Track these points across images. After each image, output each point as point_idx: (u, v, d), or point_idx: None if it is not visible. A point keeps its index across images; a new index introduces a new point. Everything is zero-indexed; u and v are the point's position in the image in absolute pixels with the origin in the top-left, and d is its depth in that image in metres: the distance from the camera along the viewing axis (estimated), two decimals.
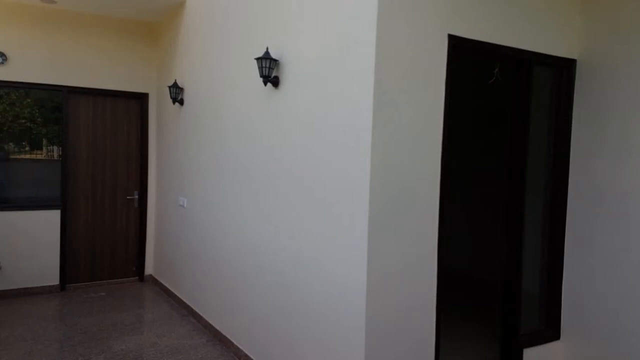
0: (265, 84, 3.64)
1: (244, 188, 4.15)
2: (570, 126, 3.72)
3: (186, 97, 5.47)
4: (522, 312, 3.71)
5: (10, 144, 5.93)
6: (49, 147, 6.19)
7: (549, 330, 3.81)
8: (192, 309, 5.20)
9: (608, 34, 3.50)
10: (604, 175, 3.50)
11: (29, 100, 5.97)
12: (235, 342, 4.26)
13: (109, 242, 6.35)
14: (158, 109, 6.41)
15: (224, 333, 4.47)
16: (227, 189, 4.45)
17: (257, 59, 3.55)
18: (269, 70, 3.54)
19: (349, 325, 2.91)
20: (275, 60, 3.55)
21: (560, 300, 3.78)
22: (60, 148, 6.04)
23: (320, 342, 3.17)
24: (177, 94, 5.53)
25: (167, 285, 6.02)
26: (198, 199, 5.13)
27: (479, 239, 6.13)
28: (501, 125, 5.61)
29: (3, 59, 5.63)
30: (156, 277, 6.43)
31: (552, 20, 3.53)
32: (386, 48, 2.74)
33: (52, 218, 5.95)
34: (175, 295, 5.68)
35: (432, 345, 3.07)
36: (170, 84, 5.59)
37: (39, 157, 6.11)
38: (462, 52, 3.11)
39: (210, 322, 4.76)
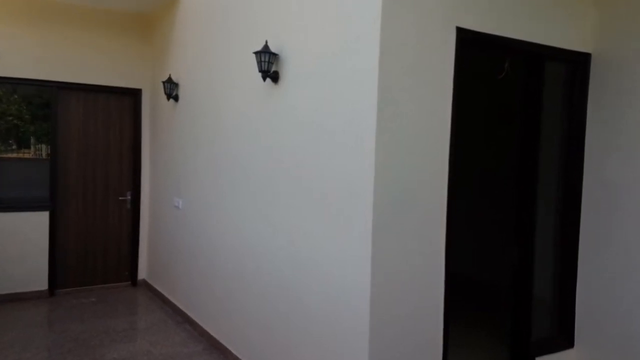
0: (264, 79, 3.66)
1: (242, 187, 4.17)
2: (584, 124, 3.73)
3: (181, 93, 5.49)
4: (533, 319, 3.73)
5: None
6: (37, 146, 6.21)
7: (562, 338, 3.82)
8: (187, 316, 5.22)
9: (624, 27, 3.51)
10: (619, 175, 3.52)
11: (16, 97, 6.00)
12: (233, 351, 4.28)
13: (101, 245, 6.37)
14: (152, 105, 6.43)
15: (221, 341, 4.49)
16: (225, 188, 4.47)
17: (256, 52, 3.57)
18: (268, 65, 3.57)
19: (351, 330, 2.93)
20: (275, 55, 3.57)
21: (574, 307, 3.79)
22: (49, 147, 6.06)
23: (321, 346, 3.19)
24: (171, 89, 5.56)
25: (161, 290, 6.04)
26: (194, 200, 5.15)
27: (488, 241, 6.14)
28: (511, 123, 5.62)
29: None
30: (150, 281, 6.45)
31: (566, 12, 3.54)
32: (391, 44, 2.76)
33: (40, 220, 5.97)
34: (170, 301, 5.71)
35: (439, 351, 3.09)
36: (165, 79, 5.61)
37: (27, 156, 6.14)
38: (471, 46, 3.13)
39: (207, 329, 4.78)
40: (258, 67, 3.59)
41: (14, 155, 6.08)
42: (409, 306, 2.96)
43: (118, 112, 6.41)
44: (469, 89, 3.81)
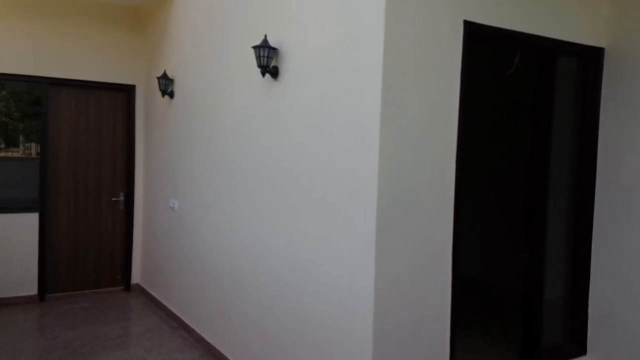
0: (263, 74, 3.67)
1: (239, 187, 4.18)
2: (598, 121, 3.73)
3: (177, 89, 5.50)
4: (544, 324, 3.73)
5: None
6: (26, 144, 6.23)
7: (574, 345, 3.82)
8: (183, 321, 5.23)
9: (639, 21, 3.51)
10: (634, 175, 3.52)
11: (5, 93, 6.01)
12: (230, 358, 4.29)
13: (93, 248, 6.38)
14: (146, 102, 6.44)
15: (218, 347, 4.50)
16: (222, 188, 4.48)
17: (255, 47, 3.58)
18: (268, 60, 3.58)
19: (354, 336, 2.93)
20: (274, 49, 3.58)
21: (587, 312, 3.79)
22: (39, 145, 6.07)
23: (322, 352, 3.20)
24: (166, 85, 5.56)
25: (155, 295, 6.05)
26: (190, 200, 5.16)
27: (497, 243, 6.14)
28: (522, 120, 5.62)
29: None
30: (144, 286, 6.46)
31: (578, 5, 3.55)
32: (395, 38, 2.77)
33: (29, 222, 5.98)
34: (165, 306, 5.72)
35: (446, 358, 3.10)
36: (159, 75, 5.62)
37: (15, 155, 6.16)
38: (479, 40, 3.13)
39: (203, 335, 4.78)
40: (257, 62, 3.59)
41: (2, 154, 6.10)
42: (414, 311, 2.96)
43: (111, 109, 6.42)
44: (477, 85, 3.81)
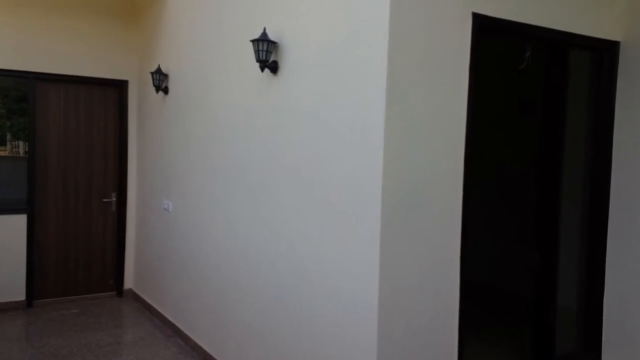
0: (262, 69, 3.68)
1: (237, 187, 4.19)
2: (613, 118, 3.74)
3: (171, 84, 5.51)
4: (556, 331, 3.74)
5: None
6: (13, 143, 6.24)
7: (589, 353, 3.83)
8: (178, 328, 5.25)
9: None
10: None
11: None
12: None
13: (83, 251, 6.39)
14: (139, 98, 6.45)
15: (214, 355, 4.52)
16: (219, 189, 4.49)
17: (253, 41, 3.59)
18: (267, 54, 3.59)
19: (357, 344, 2.94)
20: (274, 43, 3.59)
21: (602, 318, 3.79)
22: (26, 143, 6.08)
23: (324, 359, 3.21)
24: (160, 81, 5.58)
25: (149, 300, 6.07)
26: (185, 202, 5.17)
27: (507, 245, 6.15)
28: (533, 117, 5.63)
29: None
30: (137, 291, 6.48)
31: None
32: (401, 29, 2.78)
33: (17, 224, 5.99)
34: (159, 312, 5.73)
35: None
36: (153, 69, 5.63)
37: (2, 154, 6.16)
38: (489, 34, 3.14)
39: (199, 343, 4.80)
40: (255, 56, 3.61)
41: None
42: (420, 317, 2.98)
43: (102, 106, 6.43)
44: (487, 80, 3.83)
